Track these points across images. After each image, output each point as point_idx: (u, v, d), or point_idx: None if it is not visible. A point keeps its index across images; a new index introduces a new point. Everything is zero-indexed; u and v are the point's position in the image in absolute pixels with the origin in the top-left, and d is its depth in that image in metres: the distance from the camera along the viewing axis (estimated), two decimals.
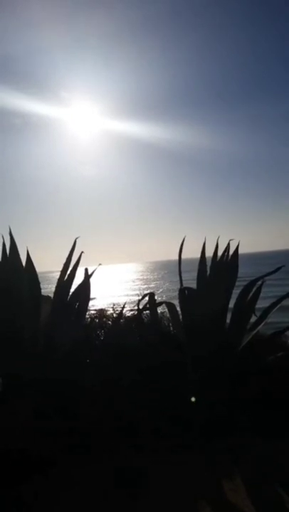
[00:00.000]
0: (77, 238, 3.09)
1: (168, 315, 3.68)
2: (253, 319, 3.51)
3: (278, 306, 3.49)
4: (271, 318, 3.38)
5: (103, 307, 4.06)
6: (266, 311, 3.50)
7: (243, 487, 2.06)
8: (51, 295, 3.17)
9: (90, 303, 3.25)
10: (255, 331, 3.31)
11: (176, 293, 3.46)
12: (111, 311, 3.97)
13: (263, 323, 3.39)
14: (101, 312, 3.93)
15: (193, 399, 2.72)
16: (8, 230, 2.93)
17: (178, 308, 3.53)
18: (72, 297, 3.11)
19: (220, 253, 3.53)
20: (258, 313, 3.51)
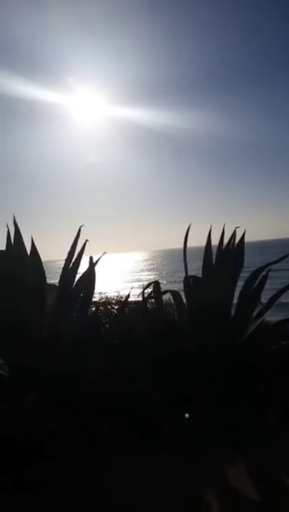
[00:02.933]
0: (81, 226, 3.08)
1: (173, 303, 3.67)
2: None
3: (283, 294, 3.48)
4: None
5: (108, 295, 4.07)
6: (271, 300, 3.48)
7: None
8: (56, 283, 3.17)
9: (96, 291, 3.25)
10: (260, 320, 3.30)
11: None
12: (116, 299, 3.98)
13: (268, 312, 3.37)
14: (106, 300, 3.94)
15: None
16: (13, 219, 2.92)
17: (183, 297, 3.52)
18: (77, 286, 3.10)
19: (226, 241, 3.50)
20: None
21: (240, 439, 2.41)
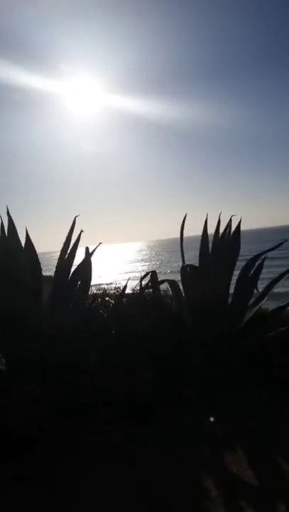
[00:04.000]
0: (76, 216, 3.04)
1: (170, 293, 3.67)
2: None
3: (280, 281, 3.48)
4: None
5: (105, 285, 4.06)
6: (268, 287, 3.49)
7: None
8: (52, 275, 3.15)
9: (93, 281, 3.23)
10: (257, 307, 3.31)
11: None
12: (113, 290, 3.97)
13: (265, 299, 3.38)
14: (103, 291, 3.93)
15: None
16: (6, 210, 2.88)
17: (180, 286, 3.52)
18: (73, 277, 3.08)
19: (222, 230, 3.49)
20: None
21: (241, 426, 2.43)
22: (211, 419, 2.46)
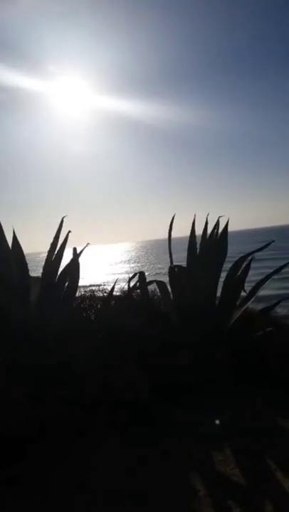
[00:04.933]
0: (64, 217, 3.03)
1: (159, 293, 3.68)
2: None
3: (267, 282, 3.52)
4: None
5: (93, 287, 4.04)
6: (255, 287, 3.52)
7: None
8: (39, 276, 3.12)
9: (80, 282, 3.22)
10: (244, 307, 3.34)
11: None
12: (101, 292, 3.96)
13: (252, 299, 3.41)
14: (91, 293, 3.92)
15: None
16: None
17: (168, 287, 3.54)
18: (61, 278, 3.07)
19: (210, 230, 3.52)
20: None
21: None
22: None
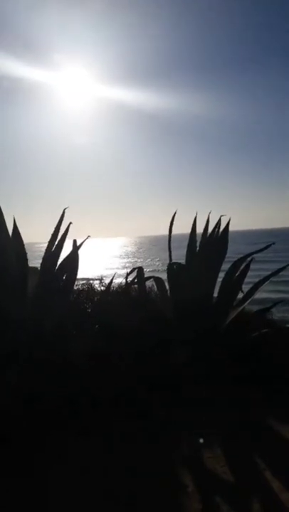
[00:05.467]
0: (65, 209, 3.03)
1: (156, 289, 3.69)
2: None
3: (265, 283, 3.53)
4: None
5: (91, 279, 4.04)
6: (253, 288, 3.53)
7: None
8: (38, 266, 3.12)
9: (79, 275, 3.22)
10: (241, 308, 3.35)
11: None
12: (98, 284, 3.96)
13: (249, 300, 3.42)
14: (89, 285, 3.91)
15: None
16: None
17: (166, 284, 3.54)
18: (60, 269, 3.07)
19: (211, 229, 3.52)
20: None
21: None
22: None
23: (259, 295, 3.46)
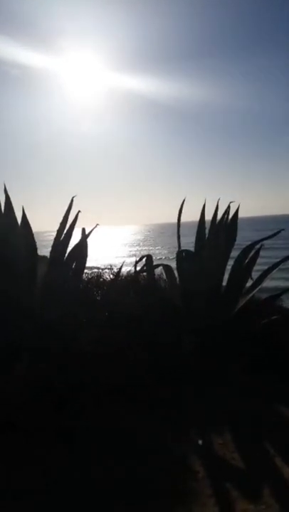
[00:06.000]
0: (74, 197, 3.02)
1: (165, 277, 3.68)
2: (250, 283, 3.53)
3: (275, 270, 3.50)
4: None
5: (100, 268, 4.05)
6: (262, 276, 3.50)
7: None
8: (47, 254, 3.14)
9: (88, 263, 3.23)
10: (250, 295, 3.33)
11: None
12: (107, 272, 3.97)
13: (258, 287, 3.40)
14: (98, 273, 3.93)
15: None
16: (3, 187, 2.85)
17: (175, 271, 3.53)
18: (69, 257, 3.08)
19: (220, 216, 3.48)
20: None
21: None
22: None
23: (267, 283, 3.43)
